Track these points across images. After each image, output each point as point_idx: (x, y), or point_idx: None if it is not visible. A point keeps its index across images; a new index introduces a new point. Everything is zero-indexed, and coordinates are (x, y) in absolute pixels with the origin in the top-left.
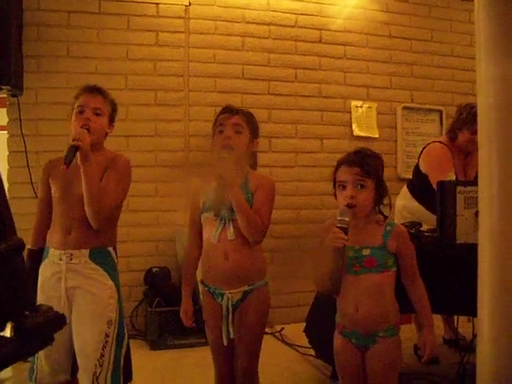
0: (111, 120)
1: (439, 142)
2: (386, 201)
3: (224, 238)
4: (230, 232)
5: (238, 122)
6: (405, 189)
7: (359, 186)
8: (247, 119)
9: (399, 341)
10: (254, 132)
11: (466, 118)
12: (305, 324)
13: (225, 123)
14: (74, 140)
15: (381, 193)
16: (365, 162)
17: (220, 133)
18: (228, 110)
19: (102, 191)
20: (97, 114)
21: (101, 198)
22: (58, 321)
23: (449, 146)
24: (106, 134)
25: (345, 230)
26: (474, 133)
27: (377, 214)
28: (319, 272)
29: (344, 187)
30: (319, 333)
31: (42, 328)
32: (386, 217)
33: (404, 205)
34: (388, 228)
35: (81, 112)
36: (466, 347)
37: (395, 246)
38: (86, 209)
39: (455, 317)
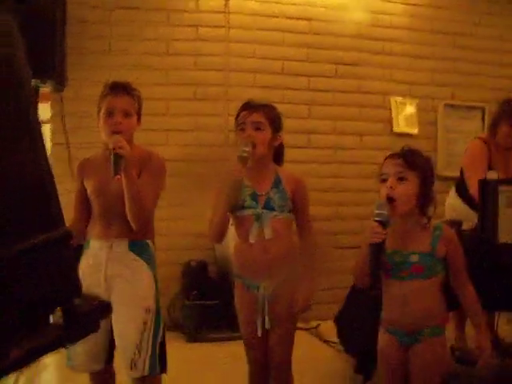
0: (139, 116)
1: (479, 138)
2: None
3: (262, 236)
4: (268, 232)
5: (257, 120)
6: (453, 187)
7: (400, 179)
8: (267, 115)
9: (444, 340)
10: (276, 126)
11: (504, 111)
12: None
13: (245, 121)
14: (115, 148)
15: (426, 192)
16: (408, 155)
17: (241, 131)
18: (248, 107)
19: (142, 195)
20: (126, 115)
21: (142, 202)
22: (105, 309)
23: (490, 142)
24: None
25: (383, 224)
26: None
27: (421, 215)
28: (358, 267)
29: (386, 180)
30: (350, 325)
31: (90, 315)
32: (429, 218)
33: (450, 203)
34: (437, 233)
35: (109, 114)
36: (505, 349)
37: (444, 251)
38: (127, 212)
39: (495, 318)
